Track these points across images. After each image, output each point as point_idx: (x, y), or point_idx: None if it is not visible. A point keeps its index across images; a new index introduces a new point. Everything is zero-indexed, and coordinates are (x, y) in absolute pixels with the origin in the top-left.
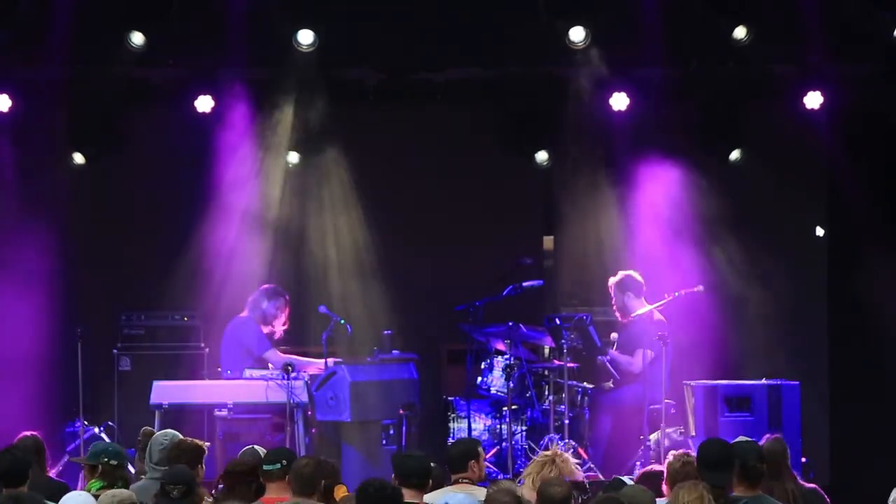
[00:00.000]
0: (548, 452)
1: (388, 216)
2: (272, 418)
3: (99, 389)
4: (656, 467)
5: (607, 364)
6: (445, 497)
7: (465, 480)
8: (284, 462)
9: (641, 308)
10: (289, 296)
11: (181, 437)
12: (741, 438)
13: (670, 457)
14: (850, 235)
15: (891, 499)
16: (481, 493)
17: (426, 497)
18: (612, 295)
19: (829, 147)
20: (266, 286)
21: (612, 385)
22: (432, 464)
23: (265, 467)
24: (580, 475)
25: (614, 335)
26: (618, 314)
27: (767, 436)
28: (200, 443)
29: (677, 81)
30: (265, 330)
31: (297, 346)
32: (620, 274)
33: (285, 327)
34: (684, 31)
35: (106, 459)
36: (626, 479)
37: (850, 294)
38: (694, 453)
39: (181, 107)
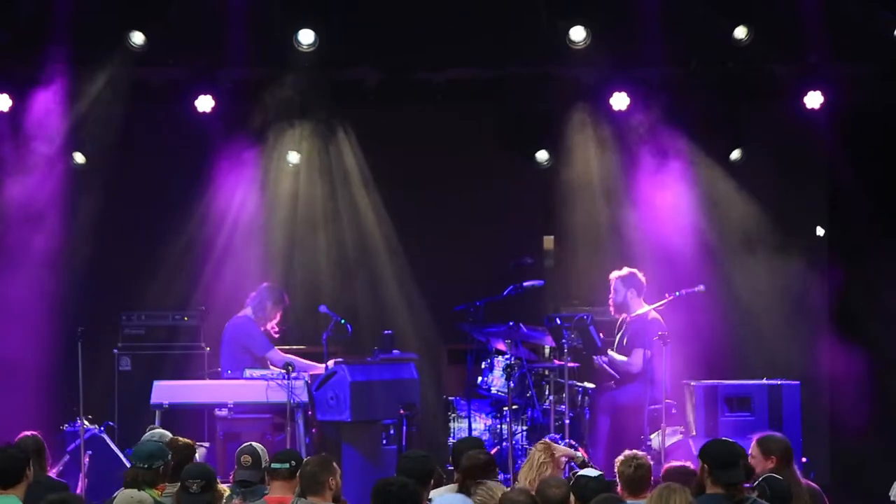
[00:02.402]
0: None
1: (388, 216)
2: (272, 418)
3: (99, 389)
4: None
5: (604, 365)
6: (436, 500)
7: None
8: (293, 462)
9: (640, 308)
10: (288, 295)
11: (171, 435)
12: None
13: (618, 463)
14: (850, 235)
15: (892, 494)
16: None
17: (432, 493)
18: (614, 289)
19: (829, 147)
20: (267, 285)
21: (613, 385)
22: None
23: (273, 465)
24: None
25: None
26: (612, 309)
27: (768, 433)
28: (192, 442)
29: (677, 81)
30: (263, 328)
31: (297, 346)
32: (626, 270)
33: (277, 326)
34: (684, 31)
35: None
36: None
37: (850, 294)
38: (642, 454)
39: (181, 107)
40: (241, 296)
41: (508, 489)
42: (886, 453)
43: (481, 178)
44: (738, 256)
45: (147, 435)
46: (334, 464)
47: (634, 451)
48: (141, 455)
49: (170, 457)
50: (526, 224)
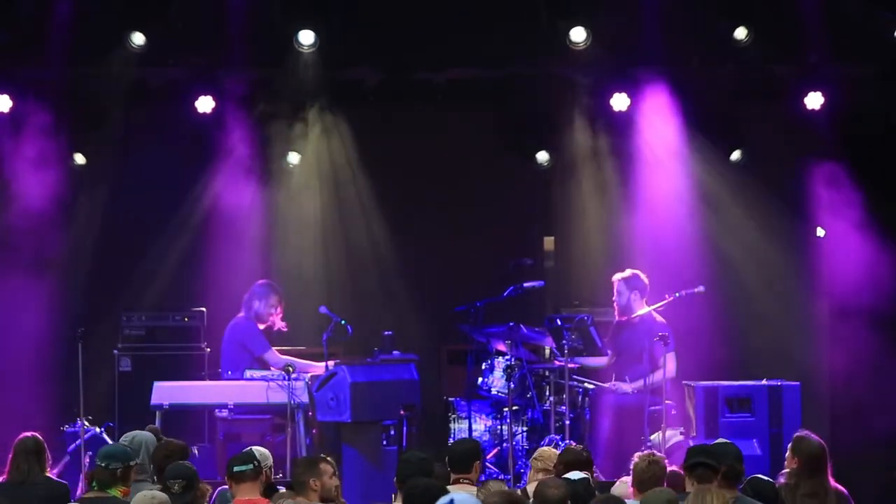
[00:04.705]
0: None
1: (389, 216)
2: (273, 419)
3: (99, 390)
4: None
5: (579, 366)
6: (450, 494)
7: (465, 481)
8: (256, 463)
9: (642, 309)
10: (281, 289)
11: (147, 435)
12: (720, 440)
13: (636, 458)
14: (849, 235)
15: None
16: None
17: None
18: (617, 291)
19: (829, 147)
20: (258, 283)
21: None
22: (436, 464)
23: (236, 469)
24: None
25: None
26: (616, 311)
27: (806, 433)
28: (184, 444)
29: (677, 81)
30: (262, 327)
31: (297, 347)
32: (629, 271)
33: (282, 320)
34: (684, 31)
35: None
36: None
37: (850, 294)
38: (660, 454)
39: (181, 107)
40: (241, 296)
41: (481, 489)
42: (886, 454)
43: (481, 178)
44: (738, 257)
45: (123, 437)
46: (321, 466)
47: (652, 451)
48: (102, 454)
49: (132, 462)
50: (526, 224)
